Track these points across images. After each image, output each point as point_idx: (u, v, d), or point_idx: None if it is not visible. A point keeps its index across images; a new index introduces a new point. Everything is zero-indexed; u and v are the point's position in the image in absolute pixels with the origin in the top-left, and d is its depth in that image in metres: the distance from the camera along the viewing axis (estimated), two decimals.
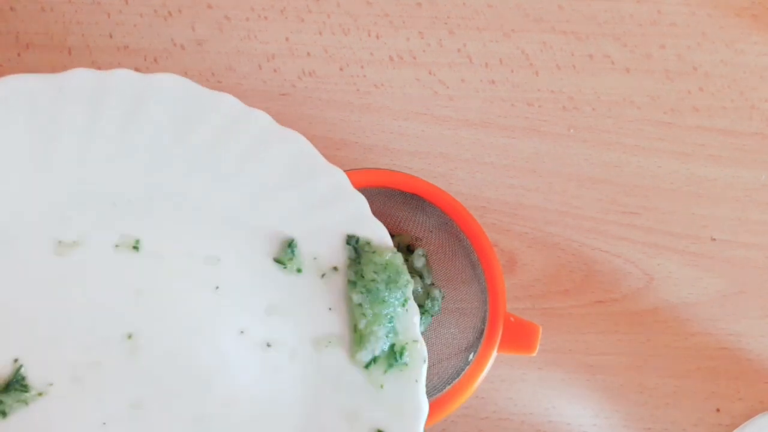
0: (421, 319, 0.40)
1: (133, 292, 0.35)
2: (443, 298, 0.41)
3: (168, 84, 0.34)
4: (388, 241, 0.36)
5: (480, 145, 0.45)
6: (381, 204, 0.41)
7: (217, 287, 0.35)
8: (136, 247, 0.35)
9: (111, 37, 0.45)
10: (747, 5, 0.46)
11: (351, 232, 0.36)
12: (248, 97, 0.45)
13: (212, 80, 0.45)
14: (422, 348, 0.35)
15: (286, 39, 0.46)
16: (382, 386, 0.35)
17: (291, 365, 0.35)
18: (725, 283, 0.45)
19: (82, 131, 0.34)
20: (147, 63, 0.45)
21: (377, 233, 0.36)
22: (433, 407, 0.38)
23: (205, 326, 0.35)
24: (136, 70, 0.45)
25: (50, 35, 0.45)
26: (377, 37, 0.46)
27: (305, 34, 0.46)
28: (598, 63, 0.46)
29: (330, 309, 0.36)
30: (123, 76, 0.34)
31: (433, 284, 0.42)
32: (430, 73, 0.46)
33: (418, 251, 0.41)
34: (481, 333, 0.39)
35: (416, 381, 0.35)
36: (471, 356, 0.39)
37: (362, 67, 0.45)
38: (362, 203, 0.36)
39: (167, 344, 0.35)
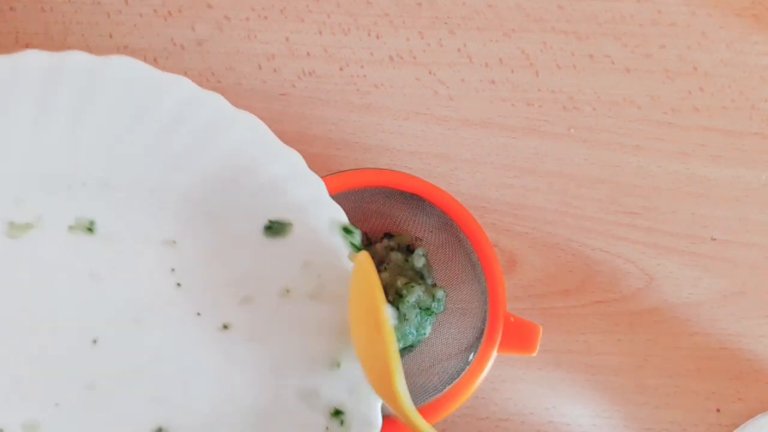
0: (427, 320, 0.40)
1: (88, 275, 0.35)
2: (446, 296, 0.41)
3: (121, 66, 0.34)
4: (346, 223, 0.36)
5: (480, 145, 0.45)
6: (381, 204, 0.41)
7: (173, 269, 0.35)
8: (90, 229, 0.35)
9: (111, 37, 0.45)
10: (747, 5, 0.46)
11: (308, 215, 0.36)
12: (248, 96, 0.45)
13: (212, 80, 0.45)
14: None
15: (286, 39, 0.46)
16: (339, 365, 0.35)
17: (249, 346, 0.35)
18: (725, 283, 0.45)
19: (35, 113, 0.34)
20: (147, 63, 0.45)
21: (335, 216, 0.36)
22: (433, 407, 0.38)
23: (160, 308, 0.35)
24: None
25: (50, 35, 0.45)
26: (377, 37, 0.46)
27: (305, 34, 0.46)
28: (599, 63, 0.46)
29: (288, 291, 0.36)
30: (76, 57, 0.34)
31: (435, 284, 0.42)
32: (430, 73, 0.46)
33: (418, 251, 0.41)
34: (481, 333, 0.39)
35: None
36: (471, 356, 0.39)
37: (362, 67, 0.45)
38: (320, 186, 0.36)
39: (122, 326, 0.35)
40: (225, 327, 0.35)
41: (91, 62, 0.34)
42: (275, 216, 0.36)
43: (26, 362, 0.34)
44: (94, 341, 0.35)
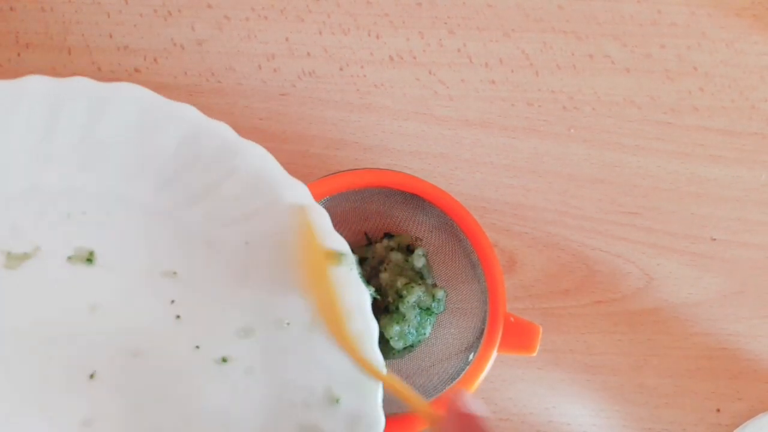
0: (427, 320, 0.40)
1: (86, 306, 0.34)
2: (446, 296, 0.41)
3: (126, 95, 0.33)
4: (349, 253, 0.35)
5: (480, 145, 0.45)
6: (381, 204, 0.41)
7: (173, 301, 0.35)
8: (90, 260, 0.34)
9: (111, 37, 0.45)
10: (747, 5, 0.46)
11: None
12: (248, 96, 0.45)
13: (212, 80, 0.45)
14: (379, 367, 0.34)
15: (286, 39, 0.46)
16: (338, 401, 0.34)
17: (248, 380, 0.35)
18: (725, 283, 0.45)
19: (36, 141, 0.33)
20: (147, 63, 0.45)
21: (339, 247, 0.35)
22: (434, 407, 0.38)
23: (159, 341, 0.34)
24: (136, 70, 0.45)
25: (50, 35, 0.45)
26: (377, 37, 0.46)
27: (305, 34, 0.46)
28: (598, 63, 0.46)
29: (287, 323, 0.35)
30: (80, 84, 0.33)
31: (435, 285, 0.42)
32: (430, 73, 0.46)
33: (418, 251, 0.41)
34: (481, 333, 0.39)
35: (374, 395, 0.34)
36: (471, 356, 0.39)
37: (362, 67, 0.45)
38: (325, 216, 0.35)
39: (120, 360, 0.34)
40: (224, 360, 0.35)
41: (96, 89, 0.33)
42: (278, 247, 0.35)
43: (21, 397, 0.33)
44: (92, 375, 0.34)
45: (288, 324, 0.35)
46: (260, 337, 0.35)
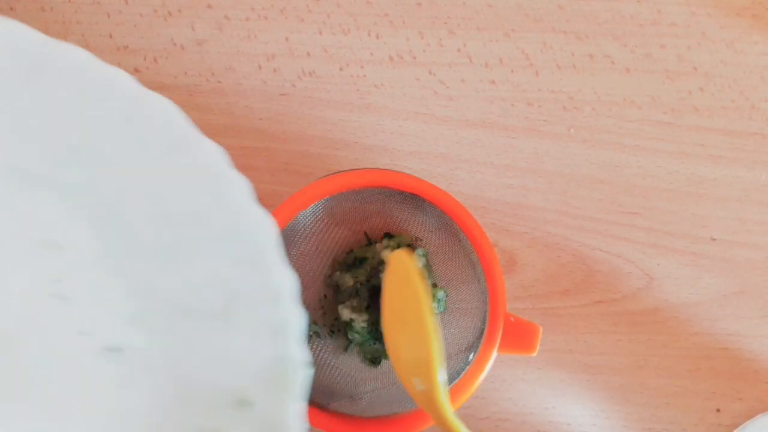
0: None
1: None
2: (446, 297, 0.41)
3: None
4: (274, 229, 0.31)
5: (480, 145, 0.45)
6: (381, 204, 0.41)
7: (57, 280, 0.30)
8: None
9: (111, 37, 0.45)
10: (747, 5, 0.46)
11: (222, 217, 0.30)
12: (248, 96, 0.45)
13: (212, 80, 0.45)
14: (301, 366, 0.31)
15: (286, 39, 0.46)
16: (251, 404, 0.30)
17: (141, 373, 0.31)
18: (725, 283, 0.45)
19: None
20: (147, 63, 0.45)
21: (261, 222, 0.30)
22: None
23: (37, 325, 0.30)
24: (136, 70, 0.45)
25: (50, 35, 0.45)
26: (377, 37, 0.46)
27: (305, 34, 0.46)
28: (598, 63, 0.46)
29: (190, 310, 0.31)
30: None
31: (435, 285, 0.41)
32: (430, 73, 0.46)
33: (418, 251, 0.41)
34: (481, 333, 0.39)
35: (295, 401, 0.30)
36: (471, 356, 0.39)
37: (362, 67, 0.45)
38: (243, 188, 0.30)
39: None
40: (114, 349, 0.31)
41: None
42: (182, 218, 0.30)
43: None
44: None
45: (198, 312, 0.31)
46: (162, 326, 0.31)
